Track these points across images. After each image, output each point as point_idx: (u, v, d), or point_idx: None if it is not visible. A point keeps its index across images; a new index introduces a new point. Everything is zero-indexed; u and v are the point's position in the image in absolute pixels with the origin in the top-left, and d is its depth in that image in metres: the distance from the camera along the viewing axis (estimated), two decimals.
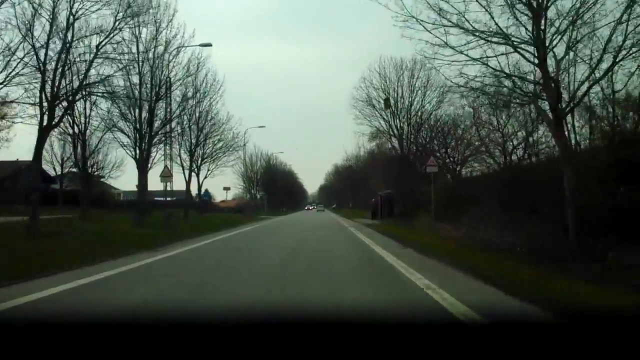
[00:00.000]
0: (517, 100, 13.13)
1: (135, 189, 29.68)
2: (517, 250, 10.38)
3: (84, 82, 17.04)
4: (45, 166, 37.29)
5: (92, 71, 17.30)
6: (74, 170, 34.37)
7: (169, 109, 23.74)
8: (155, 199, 35.41)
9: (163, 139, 25.11)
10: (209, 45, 25.61)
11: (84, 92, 18.59)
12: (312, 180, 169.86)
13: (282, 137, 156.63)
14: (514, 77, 11.68)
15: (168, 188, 22.09)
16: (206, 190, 43.40)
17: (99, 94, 19.37)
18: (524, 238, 11.03)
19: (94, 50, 16.79)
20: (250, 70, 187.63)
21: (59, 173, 40.71)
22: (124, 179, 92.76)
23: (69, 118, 22.42)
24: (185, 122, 29.58)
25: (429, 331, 2.93)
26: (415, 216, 25.40)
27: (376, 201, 41.19)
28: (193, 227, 23.09)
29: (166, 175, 21.94)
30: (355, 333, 2.67)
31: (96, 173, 33.04)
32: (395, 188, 32.42)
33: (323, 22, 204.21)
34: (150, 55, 22.38)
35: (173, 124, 25.35)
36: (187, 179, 34.19)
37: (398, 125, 27.68)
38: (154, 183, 62.63)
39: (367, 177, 53.06)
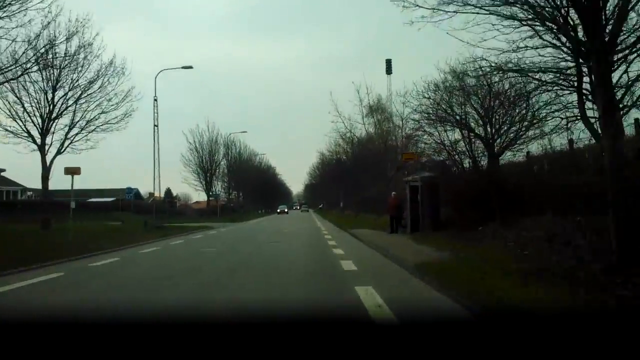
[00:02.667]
0: None
1: None
2: None
3: None
4: None
5: None
6: None
7: None
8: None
9: None
10: None
11: None
12: (298, 180, 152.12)
13: (267, 136, 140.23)
14: None
15: None
16: (160, 189, 34.78)
17: None
18: None
19: None
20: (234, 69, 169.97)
21: None
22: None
23: None
24: None
25: None
26: None
27: (397, 198, 20.95)
28: None
29: None
30: None
31: None
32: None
33: (310, 18, 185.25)
34: None
35: None
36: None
37: None
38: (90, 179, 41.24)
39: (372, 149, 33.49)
